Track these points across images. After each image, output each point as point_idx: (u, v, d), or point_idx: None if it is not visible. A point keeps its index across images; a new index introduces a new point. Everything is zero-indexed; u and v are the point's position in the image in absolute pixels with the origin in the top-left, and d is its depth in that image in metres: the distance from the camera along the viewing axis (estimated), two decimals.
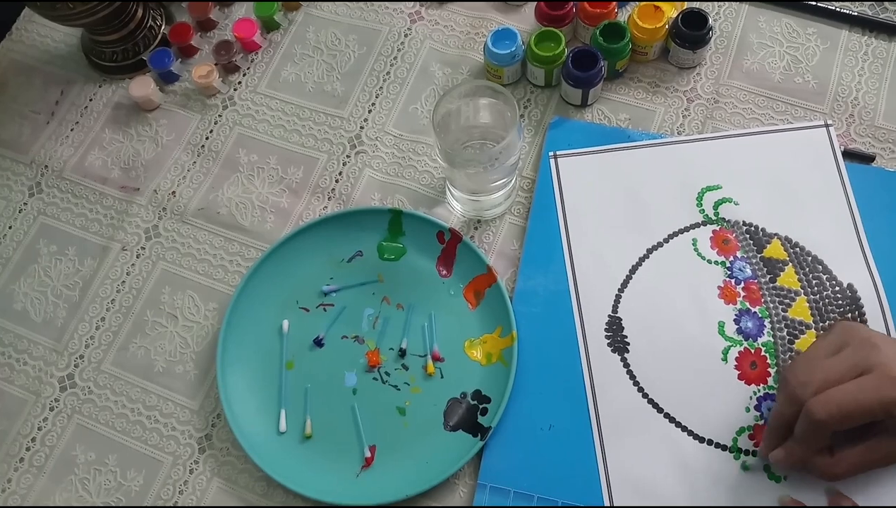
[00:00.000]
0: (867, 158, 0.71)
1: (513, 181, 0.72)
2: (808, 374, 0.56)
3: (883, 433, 0.55)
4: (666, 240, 0.69)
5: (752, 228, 0.69)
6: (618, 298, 0.68)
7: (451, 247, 0.71)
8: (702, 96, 0.76)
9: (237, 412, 0.67)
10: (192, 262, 0.75)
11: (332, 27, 0.84)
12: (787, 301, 0.66)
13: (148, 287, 0.74)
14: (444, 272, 0.71)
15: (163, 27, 0.85)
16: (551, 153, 0.74)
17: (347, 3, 0.84)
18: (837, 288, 0.66)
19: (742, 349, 0.65)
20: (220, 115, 0.81)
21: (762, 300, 0.67)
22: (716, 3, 0.80)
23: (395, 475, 0.64)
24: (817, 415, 0.53)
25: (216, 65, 0.82)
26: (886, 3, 0.77)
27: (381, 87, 0.80)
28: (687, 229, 0.70)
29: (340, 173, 0.77)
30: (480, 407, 0.66)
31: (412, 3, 0.84)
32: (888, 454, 0.55)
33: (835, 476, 0.57)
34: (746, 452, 0.62)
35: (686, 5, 0.77)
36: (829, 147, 0.71)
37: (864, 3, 0.78)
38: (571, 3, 0.76)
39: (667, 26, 0.75)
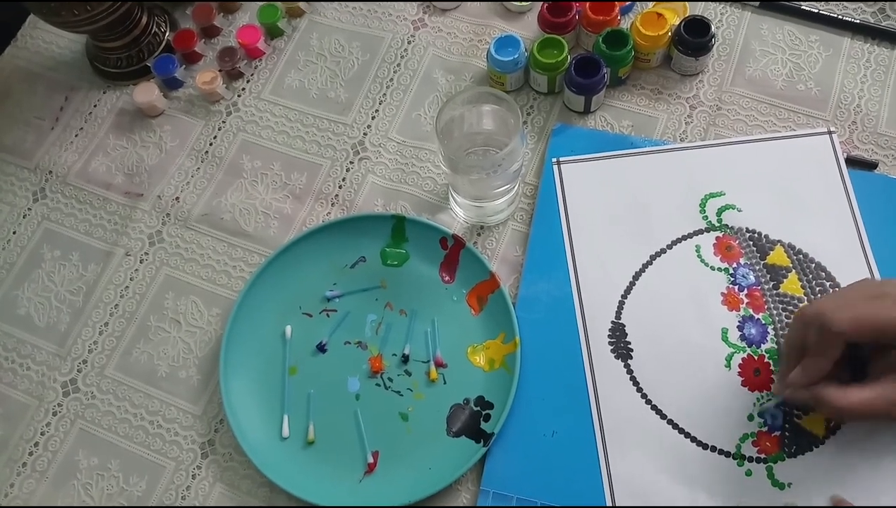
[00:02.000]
0: (870, 165, 0.72)
1: (516, 187, 0.72)
2: (821, 302, 0.57)
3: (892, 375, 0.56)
4: (669, 247, 0.69)
5: (756, 235, 0.69)
6: (621, 304, 0.68)
7: (453, 252, 0.71)
8: (704, 103, 0.76)
9: (240, 417, 0.67)
10: (195, 268, 0.75)
11: (335, 34, 0.84)
12: (791, 307, 0.66)
13: (151, 292, 0.74)
14: (447, 278, 0.71)
15: (167, 34, 0.85)
16: (554, 159, 0.74)
17: (351, 10, 0.85)
18: None
19: (745, 356, 0.65)
20: (223, 121, 0.81)
21: (766, 307, 0.67)
22: (718, 10, 0.80)
23: (398, 481, 0.64)
24: (833, 323, 0.54)
25: (220, 71, 0.82)
26: (889, 11, 0.78)
27: (384, 94, 0.80)
28: (690, 236, 0.70)
29: (344, 179, 0.77)
30: (483, 413, 0.66)
31: (415, 10, 0.84)
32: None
33: (843, 412, 0.56)
34: (750, 459, 0.62)
35: (689, 12, 0.77)
36: (831, 154, 0.71)
37: (867, 10, 0.78)
38: (574, 10, 0.77)
39: (669, 33, 0.75)
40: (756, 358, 0.65)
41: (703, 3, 0.81)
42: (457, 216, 0.74)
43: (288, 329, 0.70)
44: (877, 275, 0.66)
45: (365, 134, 0.79)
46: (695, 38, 0.74)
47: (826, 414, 0.58)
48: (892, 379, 0.55)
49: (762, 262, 0.68)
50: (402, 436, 0.66)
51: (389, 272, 0.72)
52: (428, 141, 0.78)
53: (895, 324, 0.54)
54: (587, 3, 0.76)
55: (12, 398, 0.72)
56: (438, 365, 0.68)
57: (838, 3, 0.79)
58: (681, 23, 0.75)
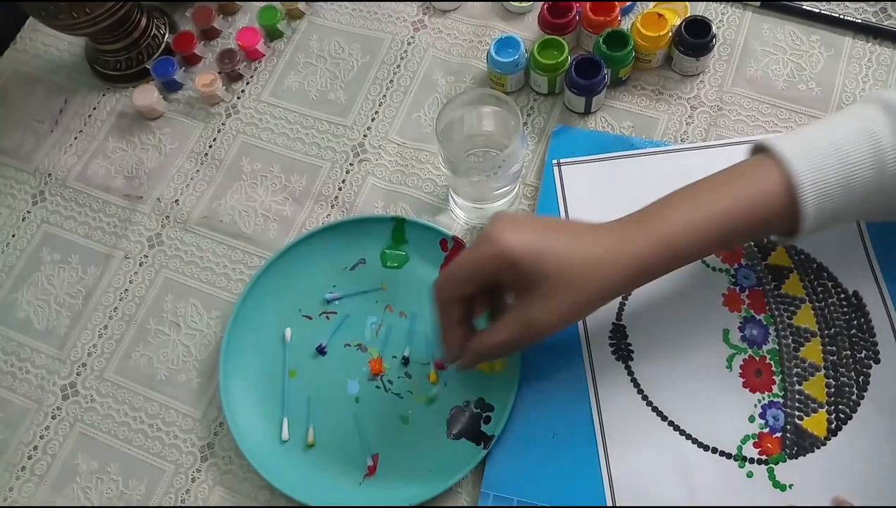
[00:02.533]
0: None
1: (516, 189, 0.72)
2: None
3: (514, 307, 0.58)
4: None
5: None
6: (622, 306, 0.68)
7: (454, 254, 0.71)
8: (705, 104, 0.76)
9: (239, 420, 0.67)
10: (194, 270, 0.75)
11: (335, 35, 0.84)
12: (793, 308, 0.66)
13: (151, 295, 0.74)
14: None
15: (166, 36, 0.85)
16: (555, 161, 0.74)
17: (351, 11, 0.85)
18: (843, 296, 0.66)
19: (747, 356, 0.65)
20: (223, 124, 0.81)
21: (767, 307, 0.66)
22: (719, 10, 0.80)
23: (398, 483, 0.64)
24: (435, 289, 0.59)
25: (220, 73, 0.82)
26: (890, 10, 0.77)
27: (384, 96, 0.80)
28: None
29: (344, 181, 0.77)
30: (484, 415, 0.66)
31: (415, 11, 0.84)
32: (522, 321, 0.56)
33: (494, 352, 0.59)
34: (751, 460, 0.62)
35: (689, 13, 0.77)
36: None
37: (868, 10, 0.78)
38: (574, 10, 0.76)
39: (670, 34, 0.75)
40: (757, 359, 0.65)
41: (704, 3, 0.80)
42: (457, 218, 0.74)
43: (288, 331, 0.70)
44: (879, 276, 0.66)
45: (365, 135, 0.79)
46: (695, 38, 0.74)
47: (488, 360, 0.64)
48: (508, 317, 0.57)
49: (764, 263, 0.68)
50: (403, 439, 0.66)
51: (389, 274, 0.72)
52: (428, 142, 0.78)
53: (469, 271, 0.57)
54: (587, 4, 0.76)
55: (11, 401, 0.72)
56: (439, 367, 0.68)
57: (839, 2, 0.78)
58: (681, 23, 0.74)
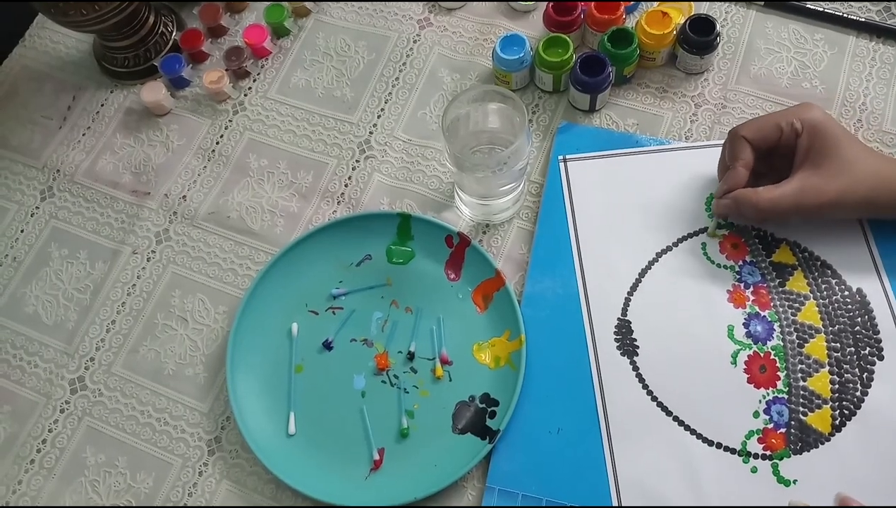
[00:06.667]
0: None
1: (521, 185, 0.72)
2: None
3: (798, 169, 0.63)
4: (675, 244, 0.70)
5: (761, 233, 0.69)
6: (627, 301, 0.68)
7: (459, 250, 0.71)
8: (709, 101, 0.76)
9: (246, 414, 0.67)
10: (202, 266, 0.75)
11: (341, 33, 0.84)
12: (797, 305, 0.66)
13: (158, 290, 0.75)
14: (453, 276, 0.71)
15: (174, 33, 0.86)
16: (560, 157, 0.74)
17: (357, 9, 0.85)
18: (847, 293, 0.66)
19: (751, 353, 0.65)
20: (230, 120, 0.82)
21: (771, 304, 0.67)
22: (723, 8, 0.80)
23: (404, 477, 0.64)
24: (737, 128, 0.65)
25: (227, 70, 0.82)
26: (894, 9, 0.78)
27: (390, 93, 0.81)
28: (696, 233, 0.70)
29: (350, 178, 0.77)
30: (489, 410, 0.66)
31: (421, 9, 0.84)
32: (804, 188, 0.62)
33: (757, 209, 0.63)
34: (755, 455, 0.62)
35: (694, 11, 0.77)
36: None
37: (872, 9, 0.78)
38: (580, 9, 0.77)
39: (674, 32, 0.75)
40: (762, 355, 0.65)
41: (708, 1, 0.81)
42: (462, 214, 0.74)
43: (294, 326, 0.71)
44: (883, 274, 0.66)
45: (371, 132, 0.79)
46: (700, 36, 0.74)
47: (747, 215, 0.65)
48: (796, 178, 0.63)
49: (768, 260, 0.68)
50: (408, 433, 0.66)
51: (395, 270, 0.72)
52: (433, 139, 0.78)
53: (771, 123, 0.64)
54: (592, 2, 0.76)
55: (20, 395, 0.72)
56: (444, 362, 0.68)
57: (843, 1, 0.79)
58: (686, 21, 0.75)
